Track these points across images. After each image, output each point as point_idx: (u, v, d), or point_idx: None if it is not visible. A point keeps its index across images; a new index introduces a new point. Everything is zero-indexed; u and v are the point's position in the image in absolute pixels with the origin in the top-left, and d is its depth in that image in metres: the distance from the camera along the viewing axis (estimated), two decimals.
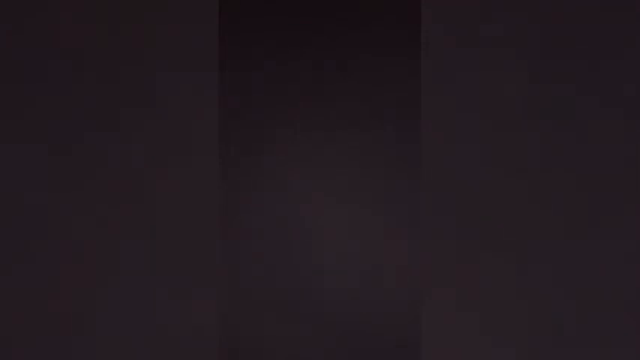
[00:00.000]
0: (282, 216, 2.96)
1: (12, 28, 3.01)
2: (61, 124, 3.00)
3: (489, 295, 2.98)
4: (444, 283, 2.98)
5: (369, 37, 2.96)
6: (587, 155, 2.99)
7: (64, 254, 2.99)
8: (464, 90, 2.99)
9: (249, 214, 2.97)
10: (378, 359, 2.96)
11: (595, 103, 2.99)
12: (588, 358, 2.99)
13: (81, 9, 3.01)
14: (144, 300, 2.99)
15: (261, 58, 2.97)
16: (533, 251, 2.99)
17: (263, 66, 2.97)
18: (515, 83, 2.99)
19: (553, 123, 2.99)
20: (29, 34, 3.01)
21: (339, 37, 2.96)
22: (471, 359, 2.99)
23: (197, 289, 2.98)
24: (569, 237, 2.99)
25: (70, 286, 2.99)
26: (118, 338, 2.99)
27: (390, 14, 2.97)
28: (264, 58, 2.97)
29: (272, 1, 2.97)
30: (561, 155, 2.99)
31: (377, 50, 2.96)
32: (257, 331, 2.96)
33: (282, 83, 2.97)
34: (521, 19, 2.99)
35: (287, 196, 2.96)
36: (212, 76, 3.00)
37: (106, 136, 3.00)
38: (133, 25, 3.00)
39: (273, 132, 2.96)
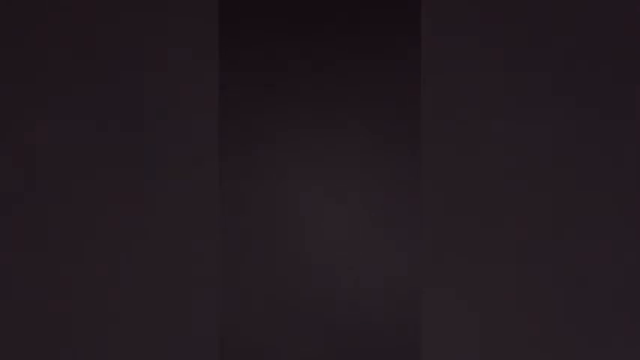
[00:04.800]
0: (282, 216, 2.96)
1: (11, 27, 3.01)
2: (60, 124, 3.00)
3: (489, 295, 2.98)
4: (444, 283, 2.99)
5: (369, 37, 2.96)
6: (588, 155, 3.00)
7: (64, 254, 2.99)
8: (464, 90, 2.99)
9: (250, 214, 2.97)
10: (378, 359, 2.96)
11: (595, 104, 3.00)
12: (588, 358, 2.99)
13: (80, 9, 3.01)
14: (144, 300, 2.99)
15: (261, 58, 2.97)
16: (534, 251, 2.99)
17: (263, 66, 2.97)
18: (516, 84, 2.99)
19: (553, 123, 2.99)
20: (29, 33, 3.01)
21: (339, 36, 2.96)
22: (471, 359, 2.99)
23: (197, 289, 2.98)
24: (570, 237, 2.99)
25: (69, 287, 2.99)
26: (118, 338, 2.99)
27: (390, 14, 2.97)
28: (264, 58, 2.97)
29: (272, 1, 2.97)
30: (562, 155, 2.99)
31: (377, 50, 2.96)
32: (257, 331, 2.96)
33: (282, 83, 2.97)
34: (522, 20, 3.00)
35: (287, 196, 2.96)
36: (212, 76, 3.00)
37: (105, 136, 3.00)
38: (133, 25, 3.00)
39: (273, 132, 2.96)
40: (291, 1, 2.97)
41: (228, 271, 2.97)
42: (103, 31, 3.00)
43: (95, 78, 3.01)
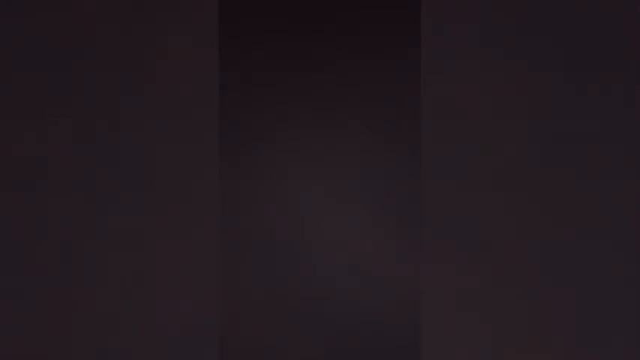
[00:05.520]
0: (282, 216, 2.96)
1: (12, 27, 3.01)
2: (59, 124, 3.00)
3: (489, 295, 2.98)
4: (444, 283, 2.99)
5: (369, 37, 2.96)
6: (589, 156, 3.00)
7: (64, 254, 2.99)
8: (464, 90, 2.99)
9: (249, 215, 2.97)
10: (378, 359, 2.96)
11: (596, 103, 3.00)
12: (588, 358, 2.99)
13: (81, 9, 3.01)
14: (144, 300, 2.99)
15: (261, 59, 2.97)
16: (533, 251, 2.99)
17: (263, 66, 2.97)
18: (516, 84, 2.99)
19: (553, 124, 2.99)
20: (29, 34, 3.01)
21: (339, 36, 2.96)
22: (471, 359, 2.99)
23: (197, 289, 2.98)
24: (570, 237, 2.99)
25: (70, 286, 2.99)
26: (118, 338, 2.99)
27: (390, 14, 2.97)
28: (264, 59, 2.97)
29: (272, 1, 2.97)
30: (561, 156, 2.99)
31: (377, 50, 2.96)
32: (257, 331, 2.96)
33: (282, 83, 2.97)
34: (522, 19, 3.00)
35: (287, 196, 2.96)
36: (212, 76, 3.00)
37: (105, 136, 3.00)
38: (133, 25, 3.00)
39: (273, 132, 2.96)
40: (291, 1, 2.97)
41: (228, 271, 2.97)
42: (103, 31, 3.00)
43: (95, 78, 3.00)
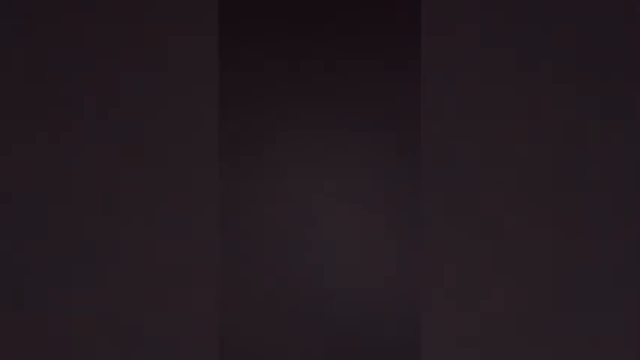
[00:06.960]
0: (282, 216, 2.96)
1: (11, 27, 3.01)
2: (61, 124, 3.00)
3: (489, 295, 2.98)
4: (444, 283, 2.99)
5: (369, 37, 2.96)
6: (589, 157, 3.00)
7: (64, 253, 2.99)
8: (464, 90, 2.99)
9: (249, 214, 2.97)
10: (378, 359, 2.96)
11: (596, 103, 3.00)
12: (588, 358, 2.99)
13: (81, 9, 3.01)
14: (144, 300, 2.99)
15: (261, 59, 2.97)
16: (533, 251, 2.99)
17: (263, 66, 2.97)
18: (516, 84, 2.99)
19: (553, 123, 2.99)
20: (28, 34, 3.01)
21: (339, 36, 2.96)
22: (471, 359, 2.99)
23: (197, 289, 2.98)
24: (570, 237, 2.99)
25: (69, 286, 2.99)
26: (118, 338, 2.99)
27: (390, 14, 2.97)
28: (264, 59, 2.97)
29: (272, 1, 2.97)
30: (562, 155, 3.00)
31: (377, 50, 2.96)
32: (257, 331, 2.96)
33: (282, 83, 2.97)
34: (522, 20, 3.00)
35: (287, 196, 2.96)
36: (212, 76, 3.00)
37: (105, 135, 3.00)
38: (134, 25, 3.00)
39: (273, 132, 2.96)
40: (291, 1, 2.97)
41: (228, 271, 2.97)
42: (103, 31, 3.00)
43: (95, 78, 3.00)
